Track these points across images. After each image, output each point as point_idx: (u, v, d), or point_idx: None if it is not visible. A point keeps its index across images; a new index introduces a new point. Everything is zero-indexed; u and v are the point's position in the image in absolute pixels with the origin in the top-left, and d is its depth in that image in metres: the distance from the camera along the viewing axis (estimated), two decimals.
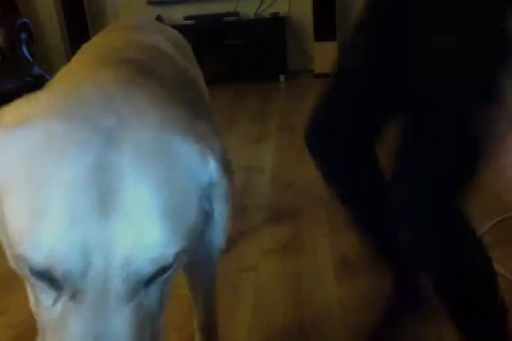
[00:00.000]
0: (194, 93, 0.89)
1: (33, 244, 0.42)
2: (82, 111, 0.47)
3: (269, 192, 2.16)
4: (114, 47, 0.78)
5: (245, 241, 1.74)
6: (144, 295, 0.46)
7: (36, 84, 2.94)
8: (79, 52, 0.83)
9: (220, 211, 0.55)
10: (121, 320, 0.44)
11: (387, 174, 1.13)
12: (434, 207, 0.98)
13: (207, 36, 4.36)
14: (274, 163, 2.51)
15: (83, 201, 0.42)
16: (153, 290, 0.48)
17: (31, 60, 3.37)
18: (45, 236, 0.42)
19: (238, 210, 2.00)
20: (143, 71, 0.64)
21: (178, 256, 0.47)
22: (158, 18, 4.51)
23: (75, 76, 0.53)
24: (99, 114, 0.46)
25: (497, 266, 1.44)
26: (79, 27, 4.52)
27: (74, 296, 0.43)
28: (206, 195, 0.53)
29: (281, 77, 4.52)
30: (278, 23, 4.40)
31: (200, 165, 0.50)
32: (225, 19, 4.42)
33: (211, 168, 0.51)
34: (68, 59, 0.85)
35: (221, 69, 4.42)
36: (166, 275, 0.48)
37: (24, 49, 3.37)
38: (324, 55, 4.42)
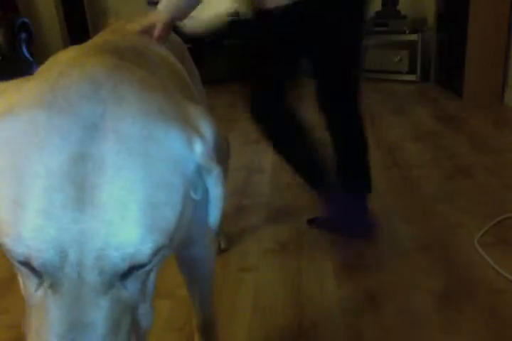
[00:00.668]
0: (183, 84, 0.88)
1: (13, 235, 0.43)
2: (66, 100, 0.46)
3: (269, 192, 2.15)
4: (104, 40, 0.78)
5: (245, 241, 1.74)
6: (121, 288, 0.46)
7: None
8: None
9: (215, 194, 0.55)
10: (96, 311, 0.44)
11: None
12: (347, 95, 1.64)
13: (207, 36, 4.36)
14: (274, 163, 2.51)
15: (61, 193, 0.42)
16: (133, 283, 0.48)
17: (31, 59, 3.37)
18: (24, 227, 0.42)
19: (238, 210, 2.00)
20: (130, 58, 0.64)
21: (156, 251, 0.46)
22: None
23: (63, 64, 0.53)
24: (83, 103, 0.46)
25: (497, 266, 1.45)
26: (79, 27, 4.52)
27: (52, 285, 0.44)
28: (195, 181, 0.52)
29: None
30: None
31: (186, 153, 0.50)
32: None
33: (198, 154, 0.51)
34: None
35: (221, 69, 4.42)
36: (146, 269, 0.48)
37: (24, 49, 3.37)
38: None
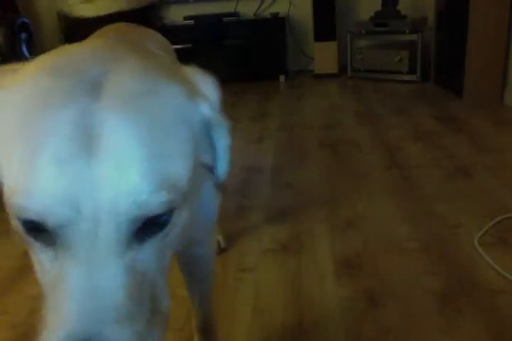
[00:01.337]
0: None
1: (25, 191, 0.43)
2: (68, 64, 0.48)
3: (269, 192, 2.16)
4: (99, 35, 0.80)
5: (245, 241, 1.74)
6: (138, 253, 0.46)
7: None
8: None
9: (222, 145, 0.56)
10: (114, 275, 0.44)
11: None
12: None
13: (207, 36, 4.36)
14: (274, 163, 2.51)
15: (70, 143, 0.42)
16: (149, 250, 0.47)
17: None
18: (36, 179, 0.42)
19: (238, 210, 2.00)
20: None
21: (169, 205, 0.46)
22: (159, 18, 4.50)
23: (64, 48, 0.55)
24: (85, 64, 0.48)
25: (497, 266, 1.45)
26: None
27: (67, 249, 0.44)
28: (202, 138, 0.53)
29: (281, 77, 4.52)
30: (278, 23, 4.40)
31: (190, 107, 0.50)
32: (225, 19, 4.41)
33: (202, 107, 0.52)
34: None
35: (221, 69, 4.41)
36: (162, 233, 0.48)
37: (24, 49, 3.37)
38: (324, 55, 4.42)
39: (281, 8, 4.61)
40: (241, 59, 4.47)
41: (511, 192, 1.94)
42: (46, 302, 0.46)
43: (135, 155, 0.43)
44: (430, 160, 2.36)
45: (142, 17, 1.43)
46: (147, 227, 0.46)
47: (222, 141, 0.55)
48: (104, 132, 0.43)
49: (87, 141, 0.43)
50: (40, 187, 0.42)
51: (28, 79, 0.47)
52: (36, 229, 0.45)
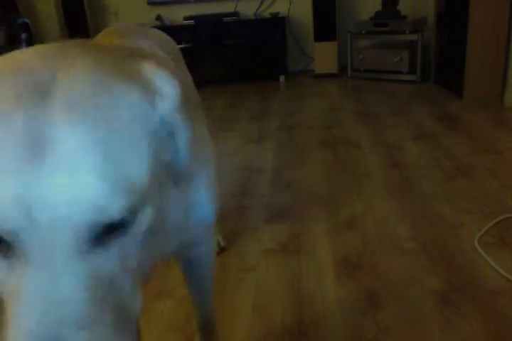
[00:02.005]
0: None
1: None
2: (15, 70, 0.46)
3: (269, 192, 2.16)
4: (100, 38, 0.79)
5: (245, 241, 1.74)
6: (100, 257, 0.45)
7: None
8: None
9: (182, 142, 0.55)
10: (74, 282, 0.42)
11: None
12: None
13: (207, 36, 4.36)
14: (274, 163, 2.51)
15: (17, 155, 0.41)
16: (112, 253, 0.46)
17: None
18: None
19: (238, 210, 2.00)
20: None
21: (128, 209, 0.44)
22: (158, 18, 4.51)
23: (13, 53, 0.53)
24: (32, 70, 0.46)
25: (497, 266, 1.45)
26: (79, 27, 4.52)
27: (25, 260, 0.43)
28: (160, 134, 0.51)
29: (281, 77, 4.52)
30: (278, 23, 4.40)
31: (144, 106, 0.49)
32: (225, 19, 4.41)
33: (159, 106, 0.51)
34: None
35: (221, 69, 4.42)
36: (125, 236, 0.46)
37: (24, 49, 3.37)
38: (324, 55, 4.42)
39: (281, 8, 4.61)
40: (241, 59, 4.47)
41: (511, 192, 1.94)
42: (6, 314, 0.45)
43: (88, 159, 0.42)
44: (430, 160, 2.36)
45: None
46: (109, 231, 0.45)
47: (183, 137, 0.55)
48: (54, 137, 0.42)
49: (37, 147, 0.41)
50: None
51: None
52: None
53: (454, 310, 1.30)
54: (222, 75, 4.41)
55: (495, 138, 2.57)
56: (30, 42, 3.47)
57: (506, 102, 3.16)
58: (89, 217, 0.42)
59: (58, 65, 0.47)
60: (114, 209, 0.43)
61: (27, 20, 3.44)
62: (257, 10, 4.64)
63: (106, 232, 0.45)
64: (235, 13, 4.51)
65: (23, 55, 0.49)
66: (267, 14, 4.57)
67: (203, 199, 0.76)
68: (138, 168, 0.46)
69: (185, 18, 4.47)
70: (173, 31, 3.83)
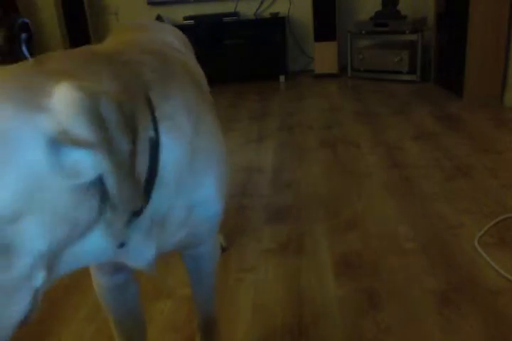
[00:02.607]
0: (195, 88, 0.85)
1: None
2: None
3: (269, 192, 2.15)
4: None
5: (245, 241, 1.74)
6: None
7: None
8: None
9: (113, 194, 0.49)
10: None
11: None
12: None
13: (207, 36, 4.36)
14: (274, 163, 2.51)
15: None
16: None
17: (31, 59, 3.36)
18: None
19: (238, 210, 2.00)
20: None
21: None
22: (158, 18, 4.51)
23: None
24: None
25: (497, 266, 1.45)
26: (79, 27, 4.51)
27: None
28: (48, 152, 0.45)
29: (281, 77, 4.52)
30: (278, 23, 4.40)
31: (19, 126, 0.44)
32: (225, 19, 4.42)
33: (43, 123, 0.45)
34: None
35: (221, 69, 4.42)
36: None
37: (24, 49, 3.37)
38: (324, 55, 4.42)
39: (281, 8, 4.61)
40: (241, 59, 4.47)
41: (511, 192, 1.94)
42: None
43: None
44: (430, 160, 2.36)
45: None
46: None
47: (109, 178, 0.48)
48: None
49: None
50: None
51: None
52: None
53: (454, 310, 1.30)
54: (222, 75, 4.41)
55: (495, 138, 2.57)
56: (30, 42, 3.47)
57: (506, 102, 3.16)
58: None
59: None
60: None
61: (27, 20, 3.44)
62: (257, 10, 4.64)
63: None
64: (235, 13, 4.51)
65: None
66: (267, 14, 4.57)
67: (207, 197, 0.75)
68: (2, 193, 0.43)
69: (185, 18, 4.47)
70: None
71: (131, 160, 0.50)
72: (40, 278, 0.49)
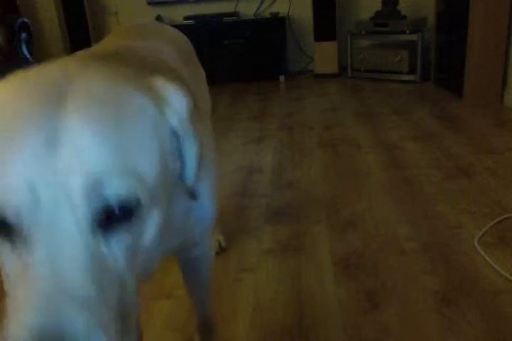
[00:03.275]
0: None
1: None
2: (37, 78, 0.51)
3: (269, 192, 2.15)
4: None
5: (245, 241, 1.74)
6: (104, 245, 0.46)
7: None
8: None
9: (190, 155, 0.57)
10: (76, 257, 0.44)
11: None
12: None
13: (207, 36, 4.36)
14: (274, 163, 2.51)
15: (31, 145, 0.44)
16: (116, 245, 0.47)
17: (31, 60, 3.36)
18: None
19: (238, 210, 2.00)
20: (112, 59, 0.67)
21: (132, 196, 0.46)
22: (158, 18, 4.51)
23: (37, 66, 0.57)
24: (52, 78, 0.50)
25: (497, 266, 1.45)
26: (79, 27, 4.52)
27: (30, 241, 0.44)
28: (169, 144, 0.54)
29: (281, 77, 4.52)
30: (278, 23, 4.40)
31: (156, 116, 0.52)
32: (225, 19, 4.42)
33: (170, 118, 0.54)
34: None
35: (221, 69, 4.42)
36: (128, 226, 0.48)
37: (24, 49, 3.37)
38: (324, 55, 4.42)
39: (281, 8, 4.61)
40: (241, 59, 4.47)
41: (511, 192, 1.94)
42: (10, 298, 0.45)
43: (95, 146, 0.45)
44: (430, 160, 2.36)
45: None
46: (113, 219, 0.47)
47: (191, 150, 0.57)
48: (68, 131, 0.45)
49: (51, 139, 0.44)
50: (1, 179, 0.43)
51: (3, 88, 0.50)
52: None
53: (454, 310, 1.30)
54: (222, 75, 4.41)
55: (495, 138, 2.57)
56: (30, 42, 3.47)
57: (506, 102, 3.16)
58: (91, 195, 0.44)
59: (75, 75, 0.51)
60: (115, 188, 0.45)
61: (27, 20, 3.44)
62: (257, 10, 4.64)
63: (108, 223, 0.46)
64: (235, 13, 4.51)
65: (46, 68, 0.53)
66: (267, 14, 4.57)
67: (202, 200, 0.76)
68: (145, 166, 0.49)
69: (185, 18, 4.47)
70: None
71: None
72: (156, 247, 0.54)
